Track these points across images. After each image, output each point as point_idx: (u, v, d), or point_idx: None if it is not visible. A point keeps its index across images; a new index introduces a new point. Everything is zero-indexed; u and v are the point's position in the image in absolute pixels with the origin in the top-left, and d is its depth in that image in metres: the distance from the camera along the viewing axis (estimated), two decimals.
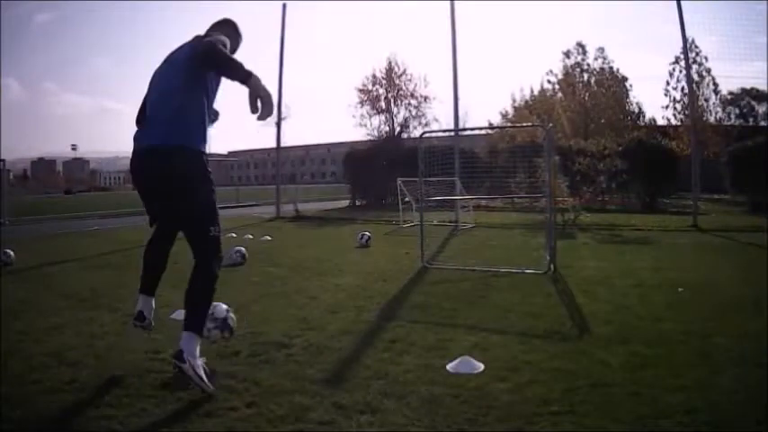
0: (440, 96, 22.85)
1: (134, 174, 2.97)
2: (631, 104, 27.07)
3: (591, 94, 24.35)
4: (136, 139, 2.93)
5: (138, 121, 2.99)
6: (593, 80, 25.10)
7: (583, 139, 16.96)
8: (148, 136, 2.83)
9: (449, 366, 3.02)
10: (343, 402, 2.56)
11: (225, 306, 3.29)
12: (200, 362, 2.69)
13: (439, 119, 23.80)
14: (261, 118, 2.62)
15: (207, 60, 2.70)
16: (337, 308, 4.48)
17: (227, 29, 3.12)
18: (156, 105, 2.85)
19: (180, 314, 4.21)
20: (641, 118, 27.24)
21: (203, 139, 2.88)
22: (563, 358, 3.14)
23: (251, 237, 10.11)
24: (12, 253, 6.97)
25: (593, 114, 23.59)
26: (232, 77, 2.64)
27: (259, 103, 2.62)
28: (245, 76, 2.58)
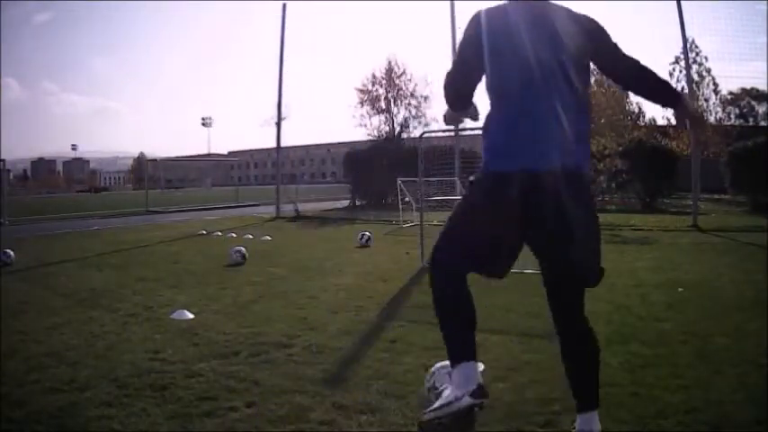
0: (440, 96, 22.84)
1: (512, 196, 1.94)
2: (631, 104, 27.06)
3: (591, 94, 24.36)
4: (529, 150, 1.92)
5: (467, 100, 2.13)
6: (592, 80, 25.10)
7: None
8: (559, 153, 1.91)
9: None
10: (343, 402, 2.56)
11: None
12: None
13: (439, 119, 23.79)
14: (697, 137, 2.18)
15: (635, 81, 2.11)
16: (337, 308, 4.48)
17: None
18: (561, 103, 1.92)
19: (179, 314, 4.22)
20: (641, 118, 27.24)
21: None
22: None
23: (251, 237, 10.11)
24: (12, 253, 6.97)
25: (594, 114, 23.56)
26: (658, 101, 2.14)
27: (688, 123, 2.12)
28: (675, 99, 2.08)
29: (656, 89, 2.10)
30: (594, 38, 2.03)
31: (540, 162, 1.90)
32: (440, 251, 2.14)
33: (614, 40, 2.09)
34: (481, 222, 2.01)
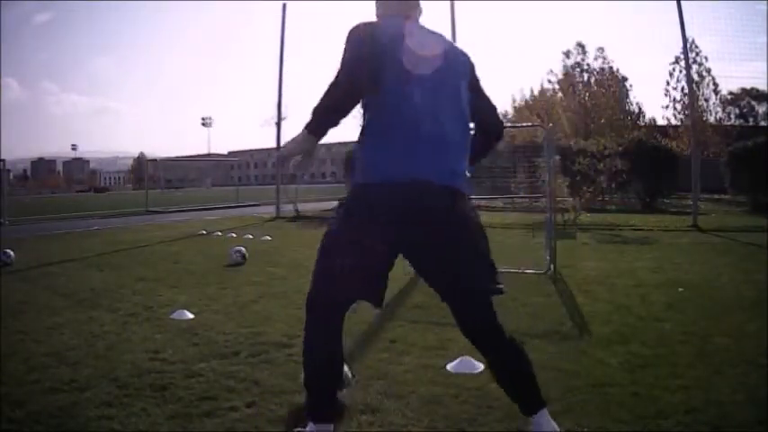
0: None
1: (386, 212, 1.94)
2: (631, 104, 27.14)
3: (591, 94, 24.38)
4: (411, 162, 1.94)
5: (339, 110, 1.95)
6: (593, 80, 25.12)
7: (583, 139, 16.97)
8: (441, 167, 1.99)
9: (449, 366, 3.02)
10: (343, 402, 2.56)
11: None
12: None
13: None
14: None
15: (495, 129, 2.31)
16: None
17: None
18: (453, 131, 2.03)
19: (179, 314, 4.22)
20: (641, 118, 27.28)
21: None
22: (563, 358, 3.14)
23: (251, 237, 10.11)
24: (12, 253, 6.97)
25: (594, 114, 23.61)
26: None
27: None
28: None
29: (498, 130, 2.31)
30: (472, 70, 2.17)
31: (426, 174, 1.94)
32: (314, 286, 2.18)
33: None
34: (358, 240, 1.96)
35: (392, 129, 1.95)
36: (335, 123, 1.93)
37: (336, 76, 1.89)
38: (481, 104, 2.19)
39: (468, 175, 2.11)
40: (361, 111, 2.05)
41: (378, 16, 2.20)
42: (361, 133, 2.04)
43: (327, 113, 1.92)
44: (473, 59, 2.19)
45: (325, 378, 2.09)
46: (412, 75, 1.94)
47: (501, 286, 2.10)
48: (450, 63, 2.07)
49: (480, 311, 2.14)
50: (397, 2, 2.17)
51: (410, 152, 1.93)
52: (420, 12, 2.21)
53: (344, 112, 1.90)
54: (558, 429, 2.06)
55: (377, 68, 1.90)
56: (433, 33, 2.12)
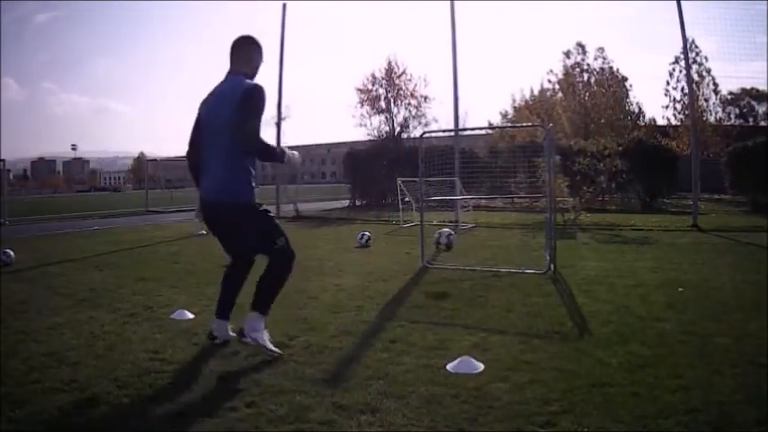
0: (440, 96, 22.90)
1: (208, 221, 3.44)
2: (631, 104, 27.12)
3: (591, 94, 24.34)
4: (203, 189, 3.29)
5: (193, 162, 3.34)
6: (593, 80, 25.10)
7: (583, 139, 16.96)
8: (213, 192, 3.23)
9: (449, 366, 3.02)
10: (343, 402, 2.56)
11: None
12: (265, 336, 3.19)
13: (439, 119, 23.81)
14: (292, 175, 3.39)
15: (256, 153, 3.18)
16: (337, 308, 4.48)
17: (254, 54, 3.22)
18: (213, 166, 3.19)
19: (179, 314, 4.23)
20: (641, 118, 27.27)
21: (252, 189, 3.25)
22: (563, 358, 3.14)
23: None
24: (12, 253, 6.97)
25: (594, 114, 23.57)
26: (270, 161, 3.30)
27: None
28: (281, 160, 3.25)
29: (267, 153, 3.20)
30: (243, 100, 3.02)
31: (208, 194, 3.23)
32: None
33: (254, 107, 3.05)
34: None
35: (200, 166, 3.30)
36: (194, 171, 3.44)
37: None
38: (240, 126, 3.06)
39: (245, 184, 3.15)
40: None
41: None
42: None
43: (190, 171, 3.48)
44: (249, 92, 3.03)
45: (225, 295, 3.54)
46: (202, 122, 3.23)
47: (279, 243, 3.35)
48: (223, 102, 3.06)
49: (248, 255, 3.53)
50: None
51: (201, 181, 3.28)
52: (242, 60, 3.18)
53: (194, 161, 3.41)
54: (260, 334, 3.15)
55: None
56: (226, 83, 3.17)
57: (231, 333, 3.46)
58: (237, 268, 3.54)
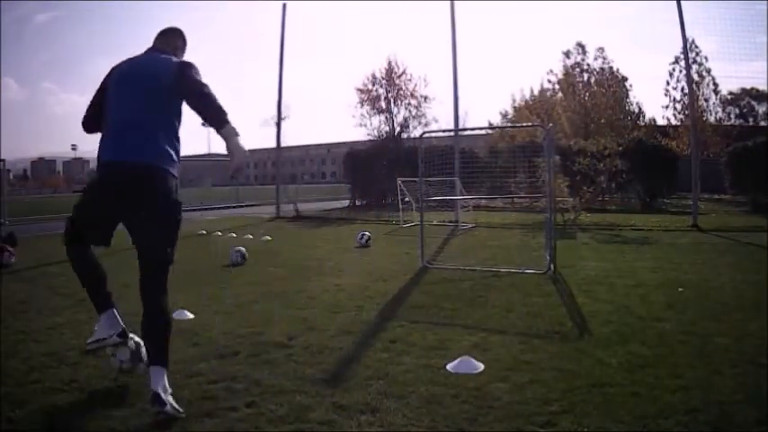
0: (440, 96, 22.87)
1: (106, 184, 2.73)
2: (631, 104, 27.08)
3: (591, 94, 24.31)
4: (108, 149, 2.72)
5: (91, 127, 2.93)
6: (593, 80, 25.08)
7: (583, 139, 16.95)
8: (125, 151, 2.67)
9: (449, 366, 3.02)
10: (343, 402, 2.56)
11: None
12: (170, 397, 2.48)
13: (439, 119, 23.76)
14: (231, 174, 2.88)
15: (197, 101, 2.72)
16: (337, 308, 4.48)
17: (179, 41, 3.06)
18: (131, 122, 2.70)
19: (179, 314, 4.23)
20: (641, 118, 27.23)
21: (175, 163, 2.77)
22: (563, 358, 3.14)
23: (251, 237, 10.11)
24: (11, 249, 6.98)
25: (594, 114, 23.53)
26: (211, 123, 2.66)
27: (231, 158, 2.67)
28: (222, 125, 2.64)
29: (210, 112, 2.67)
30: (178, 77, 2.73)
31: (116, 155, 2.68)
32: (65, 233, 2.89)
33: (196, 76, 2.76)
34: (89, 203, 2.81)
35: (104, 123, 2.81)
36: (91, 126, 2.98)
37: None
38: (189, 98, 2.73)
39: (166, 149, 2.70)
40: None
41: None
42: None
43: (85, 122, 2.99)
44: (187, 67, 2.79)
45: (91, 286, 3.00)
46: (111, 86, 2.83)
47: (168, 255, 2.88)
48: (142, 73, 2.79)
49: (148, 279, 2.90)
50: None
51: (104, 139, 2.78)
52: (166, 43, 3.00)
53: (91, 118, 2.94)
54: (164, 394, 2.46)
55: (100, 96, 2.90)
56: (150, 57, 2.91)
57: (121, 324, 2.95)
58: (89, 254, 3.00)
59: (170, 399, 2.46)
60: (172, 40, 3.06)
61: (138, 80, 2.77)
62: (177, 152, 2.80)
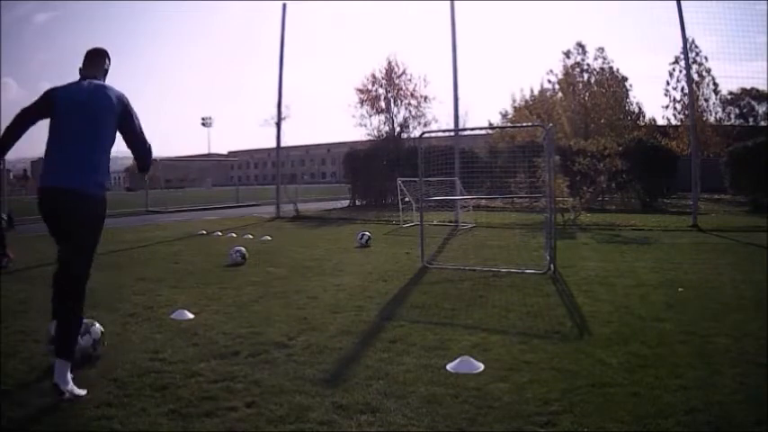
0: (440, 96, 22.85)
1: (47, 212, 3.11)
2: (631, 104, 27.05)
3: (591, 94, 24.30)
4: (50, 175, 3.05)
5: (12, 135, 3.13)
6: (593, 80, 25.07)
7: (583, 139, 16.94)
8: (65, 178, 3.01)
9: (449, 366, 3.02)
10: (343, 402, 2.56)
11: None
12: (72, 387, 2.68)
13: (439, 119, 23.81)
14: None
15: (134, 143, 3.26)
16: (337, 308, 4.48)
17: (106, 61, 3.45)
18: (76, 150, 3.04)
19: (179, 314, 4.23)
20: (641, 118, 27.20)
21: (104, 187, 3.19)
22: (563, 358, 3.14)
23: (251, 237, 10.11)
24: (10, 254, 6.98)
25: (594, 114, 23.53)
26: (139, 166, 3.39)
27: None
28: (146, 170, 3.42)
29: (142, 157, 3.30)
30: (121, 111, 3.17)
31: (51, 181, 3.02)
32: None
33: (135, 114, 3.25)
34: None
35: (46, 156, 3.09)
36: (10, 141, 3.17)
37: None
38: (130, 133, 3.22)
39: (100, 182, 3.09)
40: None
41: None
42: None
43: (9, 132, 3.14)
44: (125, 101, 3.21)
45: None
46: (58, 117, 3.06)
47: (79, 266, 3.28)
48: (94, 105, 3.09)
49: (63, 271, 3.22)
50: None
51: (46, 169, 3.09)
52: (96, 67, 3.32)
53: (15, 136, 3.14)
54: (65, 385, 2.65)
55: (36, 117, 3.11)
56: (90, 88, 3.17)
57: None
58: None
59: (72, 388, 2.68)
60: (100, 63, 3.43)
61: (83, 114, 3.07)
62: (106, 177, 3.24)
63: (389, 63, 22.28)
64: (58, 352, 2.76)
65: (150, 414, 2.45)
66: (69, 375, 2.70)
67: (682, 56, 14.96)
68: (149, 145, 3.33)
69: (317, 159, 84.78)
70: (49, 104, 3.08)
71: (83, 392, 2.67)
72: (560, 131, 19.78)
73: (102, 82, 3.32)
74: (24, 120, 3.07)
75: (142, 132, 3.29)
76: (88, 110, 3.08)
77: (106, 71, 3.46)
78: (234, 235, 10.59)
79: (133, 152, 3.29)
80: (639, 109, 27.40)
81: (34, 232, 11.61)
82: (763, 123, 25.39)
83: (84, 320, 3.18)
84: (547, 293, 4.95)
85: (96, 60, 3.40)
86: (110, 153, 3.23)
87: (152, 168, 3.52)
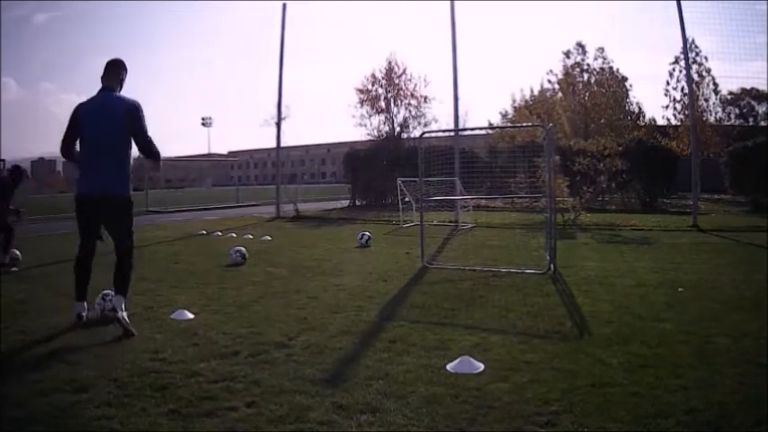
0: (440, 96, 22.86)
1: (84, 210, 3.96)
2: (631, 104, 27.05)
3: (591, 94, 24.30)
4: (85, 184, 3.91)
5: (70, 155, 3.98)
6: (593, 80, 25.07)
7: (583, 139, 16.94)
8: (96, 185, 3.87)
9: (449, 366, 3.02)
10: (343, 402, 2.56)
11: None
12: (125, 314, 3.78)
13: (439, 119, 23.79)
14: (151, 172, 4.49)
15: (142, 146, 3.97)
16: (337, 308, 4.48)
17: (122, 72, 4.02)
18: (100, 158, 3.86)
19: (179, 314, 4.24)
20: (641, 118, 27.21)
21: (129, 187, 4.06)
22: (563, 358, 3.14)
23: (251, 237, 10.11)
24: (18, 253, 7.00)
25: (594, 114, 23.53)
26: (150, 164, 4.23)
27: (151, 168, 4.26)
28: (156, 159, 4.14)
29: (152, 156, 4.09)
30: (130, 119, 3.87)
31: (88, 188, 3.89)
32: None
33: (142, 123, 3.94)
34: (80, 222, 4.02)
35: (80, 166, 3.97)
36: (67, 156, 4.05)
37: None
38: (137, 139, 3.93)
39: (124, 181, 3.95)
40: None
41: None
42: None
43: (63, 151, 4.05)
44: (133, 111, 3.88)
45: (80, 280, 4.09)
46: (82, 130, 3.87)
47: (127, 242, 4.17)
48: (108, 117, 3.81)
49: (118, 248, 4.10)
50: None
51: (81, 176, 3.93)
52: (113, 77, 3.99)
53: (67, 152, 4.03)
54: (121, 312, 3.76)
55: (74, 132, 3.97)
56: (105, 99, 3.89)
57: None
58: (90, 256, 4.17)
59: (124, 316, 3.77)
60: (117, 73, 3.95)
61: (99, 126, 3.80)
62: (128, 176, 4.00)
63: (389, 63, 22.30)
64: (119, 291, 3.93)
65: (150, 414, 2.45)
66: (124, 306, 3.80)
67: (682, 56, 14.97)
68: (157, 150, 4.02)
69: (317, 159, 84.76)
70: (75, 120, 3.84)
71: (128, 322, 3.71)
72: (560, 131, 19.79)
73: (116, 94, 3.92)
74: (67, 141, 3.90)
75: (149, 140, 3.95)
76: (101, 122, 3.78)
77: (122, 81, 3.99)
78: (234, 235, 10.59)
79: (143, 155, 4.05)
80: (639, 109, 27.41)
81: (35, 232, 11.63)
82: (763, 123, 25.40)
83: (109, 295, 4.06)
84: (547, 293, 4.95)
85: (113, 71, 3.95)
86: (128, 156, 3.97)
87: (161, 166, 4.27)
